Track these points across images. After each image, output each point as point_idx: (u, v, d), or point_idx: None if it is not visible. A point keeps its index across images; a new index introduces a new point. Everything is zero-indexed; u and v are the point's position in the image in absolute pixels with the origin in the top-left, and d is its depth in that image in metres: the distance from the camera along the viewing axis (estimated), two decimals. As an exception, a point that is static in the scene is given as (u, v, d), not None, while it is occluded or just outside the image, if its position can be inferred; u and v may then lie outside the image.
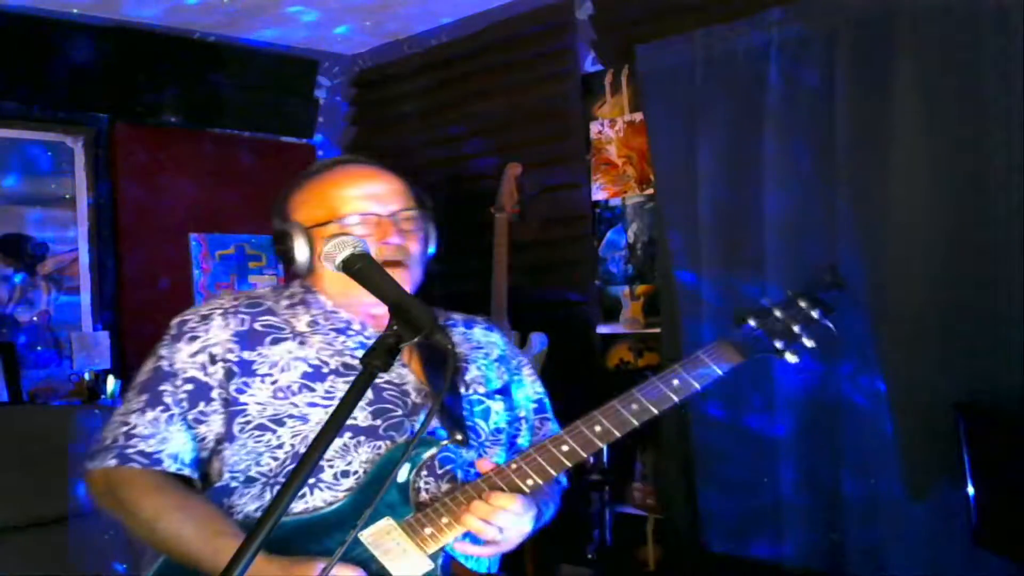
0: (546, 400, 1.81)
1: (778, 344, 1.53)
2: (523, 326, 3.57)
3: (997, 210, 2.48)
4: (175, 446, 1.52)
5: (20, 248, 3.69)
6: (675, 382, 1.48)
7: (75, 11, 3.70)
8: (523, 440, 1.74)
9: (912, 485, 2.64)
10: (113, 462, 1.50)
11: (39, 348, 3.71)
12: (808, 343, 1.54)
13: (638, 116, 3.43)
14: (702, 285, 3.08)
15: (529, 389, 1.79)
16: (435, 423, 1.55)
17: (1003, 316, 2.47)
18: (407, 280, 1.63)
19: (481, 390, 1.67)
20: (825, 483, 2.83)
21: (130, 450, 1.50)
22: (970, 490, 2.29)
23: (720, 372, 1.49)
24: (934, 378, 2.59)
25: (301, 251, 1.59)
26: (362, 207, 1.60)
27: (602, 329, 3.61)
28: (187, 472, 1.54)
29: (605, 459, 3.27)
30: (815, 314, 1.55)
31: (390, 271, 1.39)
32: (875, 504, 2.71)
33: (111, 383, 3.60)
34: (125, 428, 1.52)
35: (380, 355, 1.16)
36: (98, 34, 3.74)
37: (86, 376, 3.67)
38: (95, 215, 3.84)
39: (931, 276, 2.61)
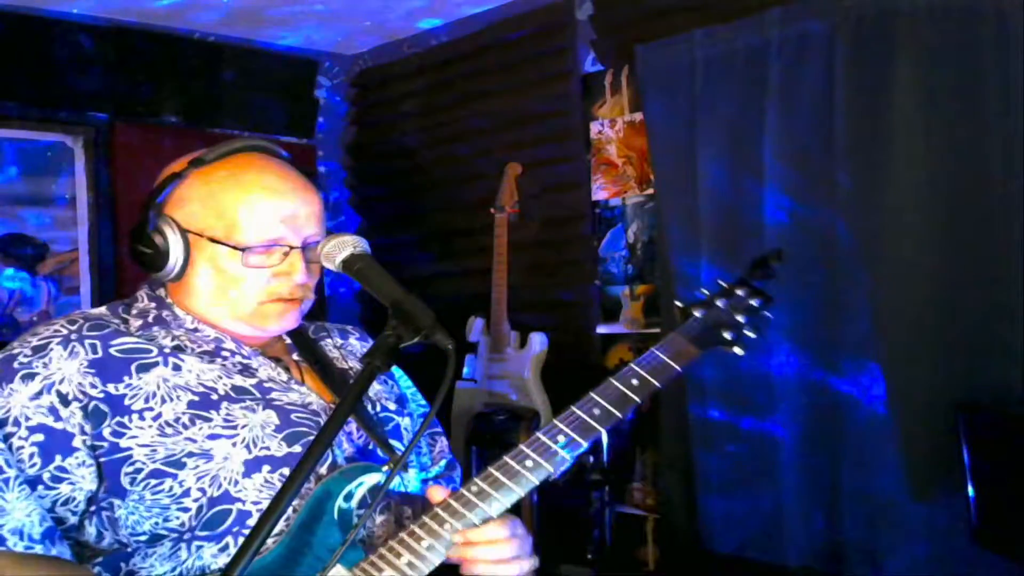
0: (422, 405, 1.60)
1: (727, 335, 1.48)
2: (523, 326, 3.57)
3: (996, 210, 2.48)
4: (18, 519, 1.19)
5: (20, 248, 3.69)
6: (634, 381, 1.33)
7: (75, 11, 3.70)
8: (425, 458, 1.55)
9: (912, 485, 2.64)
10: None
11: (39, 348, 3.71)
12: (750, 333, 1.49)
13: (638, 116, 3.43)
14: (702, 285, 3.08)
15: (416, 402, 1.59)
16: (353, 447, 1.34)
17: (1003, 316, 2.47)
18: (297, 318, 1.40)
19: (391, 406, 1.46)
20: (825, 483, 2.83)
21: None
22: (970, 490, 2.29)
23: (679, 369, 1.39)
24: (934, 378, 2.59)
25: (175, 257, 1.32)
26: (272, 233, 1.33)
27: (602, 329, 3.61)
28: (37, 549, 1.20)
29: (605, 459, 3.27)
30: (755, 303, 1.51)
31: (284, 309, 1.34)
32: (875, 504, 2.71)
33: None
34: None
35: (380, 355, 1.14)
36: (98, 34, 3.74)
37: (86, 376, 3.67)
38: (95, 215, 3.84)
39: (931, 276, 2.61)
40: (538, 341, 3.50)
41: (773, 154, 2.90)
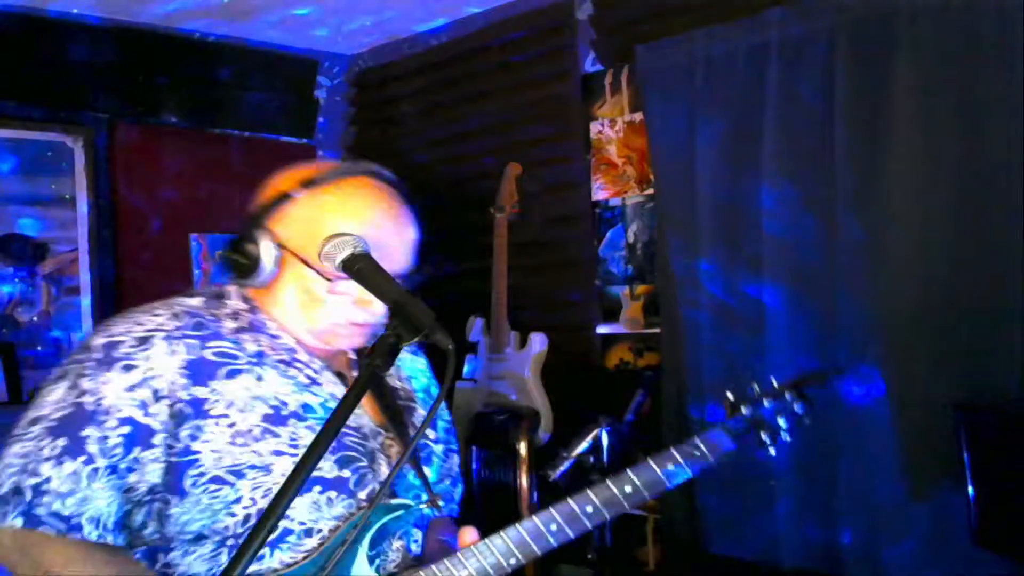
0: (453, 427, 1.67)
1: (764, 437, 1.62)
2: (523, 326, 3.57)
3: (997, 210, 2.48)
4: (98, 507, 1.23)
5: (20, 248, 3.69)
6: (669, 465, 1.51)
7: (75, 11, 3.70)
8: (433, 475, 1.56)
9: (912, 485, 2.64)
10: (17, 522, 1.20)
11: (39, 348, 3.71)
12: (786, 438, 1.62)
13: (638, 116, 3.43)
14: (702, 285, 3.08)
15: (448, 424, 1.65)
16: (401, 477, 1.41)
17: (1003, 316, 2.47)
18: (366, 340, 1.43)
19: (431, 435, 1.53)
20: (825, 483, 2.83)
21: (40, 510, 1.20)
22: (970, 490, 2.29)
23: (712, 460, 1.54)
24: (934, 378, 2.59)
25: (266, 271, 1.36)
26: None
27: (602, 329, 3.61)
28: (108, 539, 1.24)
29: (605, 459, 3.27)
30: (798, 409, 1.63)
31: (355, 332, 1.38)
32: (875, 504, 2.71)
33: (111, 383, 3.60)
34: (33, 480, 1.21)
35: (380, 355, 1.14)
36: (98, 34, 3.74)
37: (86, 376, 3.67)
38: (95, 215, 3.84)
39: (931, 276, 2.61)
40: (538, 341, 3.50)
41: (773, 154, 2.90)
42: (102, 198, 3.86)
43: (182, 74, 3.99)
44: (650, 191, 3.39)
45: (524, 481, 3.13)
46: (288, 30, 4.15)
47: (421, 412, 1.52)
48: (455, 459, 1.66)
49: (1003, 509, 2.25)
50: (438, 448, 1.55)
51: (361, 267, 1.28)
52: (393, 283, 1.25)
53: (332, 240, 1.31)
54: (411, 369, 1.60)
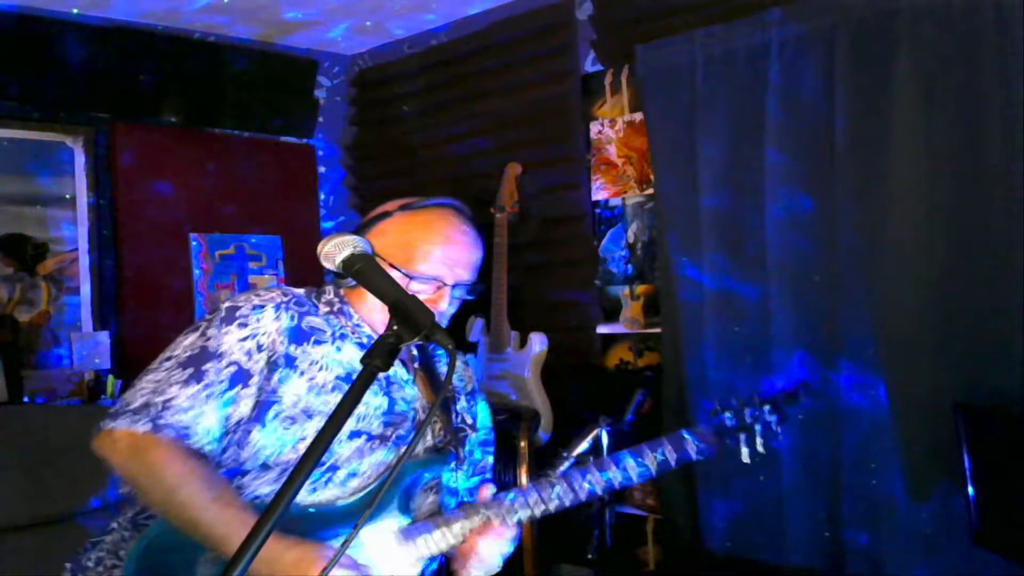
0: (493, 433, 1.92)
1: (742, 438, 1.82)
2: (523, 326, 3.57)
3: (997, 210, 2.48)
4: (208, 422, 1.55)
5: (20, 248, 3.69)
6: (658, 456, 1.75)
7: (75, 11, 3.71)
8: (465, 473, 1.84)
9: (912, 485, 2.64)
10: (146, 427, 1.51)
11: (39, 348, 3.71)
12: (760, 448, 1.82)
13: (638, 116, 3.43)
14: (702, 285, 3.09)
15: (485, 418, 1.90)
16: (434, 440, 1.73)
17: (1003, 316, 2.47)
18: None
19: (468, 420, 1.83)
20: (825, 483, 2.83)
21: (165, 419, 1.52)
22: (970, 490, 2.29)
23: (695, 456, 1.77)
24: (934, 378, 2.59)
25: None
26: (436, 271, 1.68)
27: (602, 329, 3.61)
28: (215, 447, 1.57)
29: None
30: (772, 420, 1.84)
31: None
32: (875, 504, 2.71)
33: (111, 383, 3.60)
34: (162, 397, 1.54)
35: (380, 355, 1.16)
36: (98, 34, 3.74)
37: (86, 376, 3.68)
38: (95, 215, 3.84)
39: (931, 276, 2.61)
40: (538, 341, 3.50)
41: (773, 154, 2.90)
42: (102, 198, 3.86)
43: (182, 74, 3.99)
44: (650, 191, 3.40)
45: (524, 481, 3.13)
46: (288, 30, 4.16)
47: (463, 403, 1.84)
48: (489, 460, 1.89)
49: (1003, 509, 2.26)
50: (473, 436, 1.82)
51: (361, 267, 1.30)
52: (392, 283, 1.27)
53: (333, 240, 1.34)
54: (465, 375, 1.91)
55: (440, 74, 4.17)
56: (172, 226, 4.04)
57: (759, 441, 1.82)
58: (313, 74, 4.41)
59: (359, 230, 1.68)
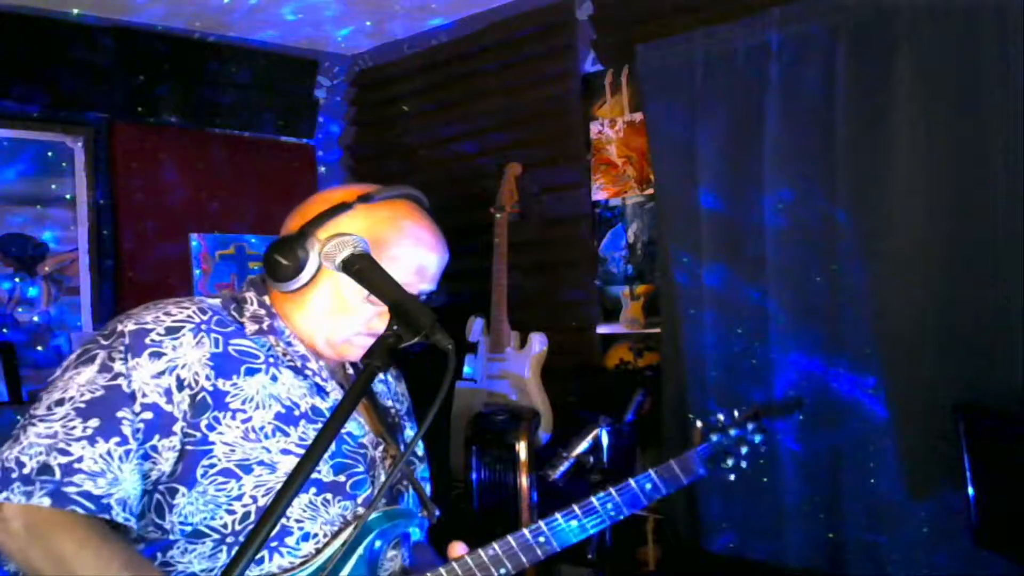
0: (428, 458, 1.69)
1: (729, 462, 1.81)
2: (523, 326, 3.57)
3: (997, 210, 2.48)
4: (126, 489, 1.24)
5: (20, 248, 3.69)
6: (647, 485, 1.66)
7: (75, 11, 3.70)
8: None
9: (912, 485, 2.64)
10: (45, 501, 1.18)
11: (39, 348, 3.71)
12: (743, 466, 1.81)
13: (638, 116, 3.43)
14: (702, 285, 3.08)
15: (419, 445, 1.66)
16: (391, 490, 1.48)
17: (1003, 316, 2.47)
18: None
19: (419, 452, 1.59)
20: (825, 483, 2.83)
21: (71, 489, 1.20)
22: (970, 490, 2.29)
23: (685, 482, 1.72)
24: (934, 378, 2.59)
25: (307, 274, 1.37)
26: (403, 276, 1.39)
27: (602, 329, 3.61)
28: (132, 524, 1.26)
29: (605, 459, 3.27)
30: (758, 440, 1.82)
31: (366, 345, 1.41)
32: (875, 504, 2.71)
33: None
34: (63, 459, 1.21)
35: (380, 355, 1.13)
36: (98, 34, 3.74)
37: (86, 376, 3.67)
38: (95, 215, 3.84)
39: (931, 276, 2.60)
40: (538, 341, 3.50)
41: (773, 154, 2.90)
42: (102, 198, 3.86)
43: (182, 74, 3.99)
44: (650, 191, 3.39)
45: (524, 481, 3.13)
46: (288, 30, 4.15)
47: (409, 432, 1.59)
48: (428, 486, 1.66)
49: (1003, 509, 2.25)
50: (421, 467, 1.61)
51: (360, 267, 1.28)
52: (392, 283, 1.24)
53: (333, 240, 1.32)
54: (399, 392, 1.66)
55: (440, 74, 4.17)
56: (172, 226, 4.04)
57: (744, 463, 1.82)
58: (313, 74, 4.41)
59: (313, 222, 1.40)
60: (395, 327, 1.17)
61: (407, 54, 4.30)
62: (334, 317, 1.42)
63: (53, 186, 3.77)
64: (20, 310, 3.68)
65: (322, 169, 4.55)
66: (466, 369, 3.64)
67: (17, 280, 3.68)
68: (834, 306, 2.78)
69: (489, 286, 3.55)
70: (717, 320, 3.05)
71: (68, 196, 3.81)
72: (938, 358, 2.59)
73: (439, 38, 4.17)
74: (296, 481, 0.99)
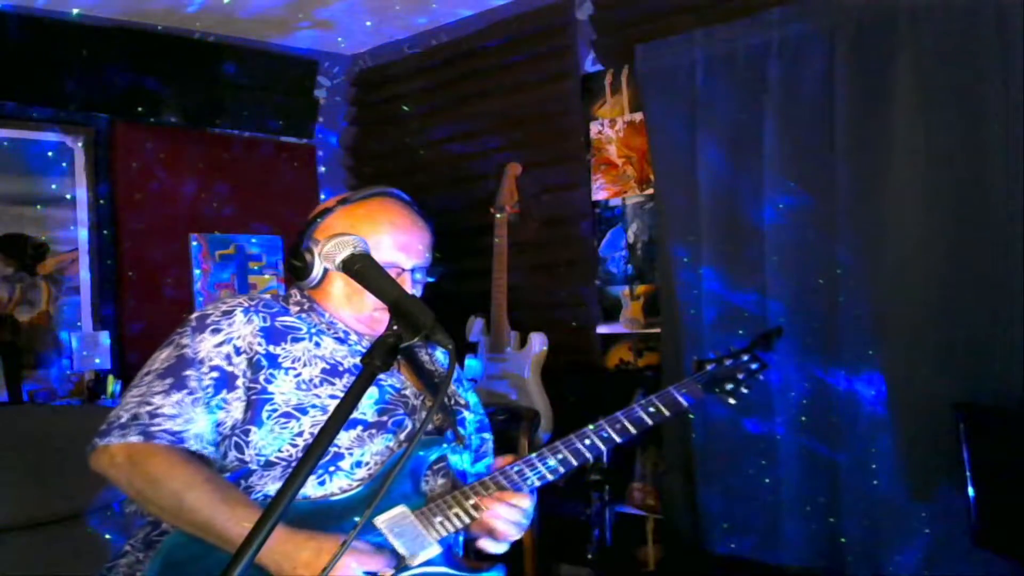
0: (487, 418, 1.97)
1: (727, 387, 1.91)
2: (523, 326, 3.57)
3: (997, 210, 2.48)
4: (199, 427, 1.56)
5: (20, 248, 3.69)
6: (651, 409, 1.78)
7: (75, 11, 3.71)
8: (468, 457, 1.86)
9: (912, 485, 2.64)
10: (138, 438, 1.51)
11: (39, 348, 3.71)
12: (744, 390, 1.90)
13: (638, 116, 3.43)
14: (702, 285, 3.08)
15: (478, 405, 1.95)
16: (436, 425, 1.74)
17: (1003, 316, 2.47)
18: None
19: (462, 401, 1.87)
20: (825, 483, 2.83)
21: (155, 428, 1.52)
22: (970, 490, 2.29)
23: (685, 404, 1.82)
24: (934, 378, 2.59)
25: (317, 270, 1.65)
26: (390, 257, 1.67)
27: (602, 329, 3.61)
28: (209, 451, 1.58)
29: (605, 459, 3.27)
30: (754, 367, 1.91)
31: (384, 320, 1.49)
32: (875, 504, 2.71)
33: (111, 383, 3.60)
34: (148, 408, 1.55)
35: (380, 355, 1.15)
36: (98, 34, 3.74)
37: (86, 376, 3.68)
38: (95, 215, 3.84)
39: (931, 276, 2.61)
40: (538, 341, 3.50)
41: (772, 154, 2.90)
42: (102, 198, 3.86)
43: (182, 74, 3.99)
44: (650, 191, 3.40)
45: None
46: (288, 30, 4.16)
47: (452, 387, 1.86)
48: (489, 445, 1.91)
49: (1003, 509, 2.26)
50: (470, 417, 1.85)
51: (360, 266, 1.31)
52: (392, 283, 1.27)
53: (333, 240, 1.35)
54: (439, 361, 1.91)
55: (440, 74, 4.17)
56: (172, 226, 4.03)
57: (743, 388, 1.89)
58: (313, 74, 4.41)
59: (304, 233, 1.70)
60: (395, 327, 1.18)
61: (407, 54, 4.30)
62: (352, 300, 1.70)
63: (53, 186, 3.77)
64: (20, 310, 3.68)
65: (322, 169, 4.55)
66: (467, 368, 3.64)
67: (17, 280, 3.68)
68: (834, 306, 2.78)
69: (489, 286, 3.56)
70: (717, 320, 3.05)
71: (68, 196, 3.80)
72: (938, 358, 2.59)
73: (439, 38, 4.17)
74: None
